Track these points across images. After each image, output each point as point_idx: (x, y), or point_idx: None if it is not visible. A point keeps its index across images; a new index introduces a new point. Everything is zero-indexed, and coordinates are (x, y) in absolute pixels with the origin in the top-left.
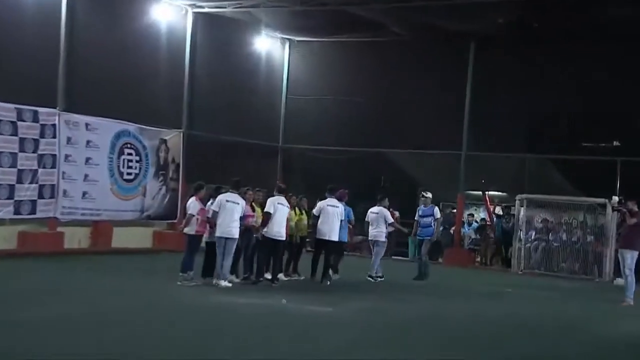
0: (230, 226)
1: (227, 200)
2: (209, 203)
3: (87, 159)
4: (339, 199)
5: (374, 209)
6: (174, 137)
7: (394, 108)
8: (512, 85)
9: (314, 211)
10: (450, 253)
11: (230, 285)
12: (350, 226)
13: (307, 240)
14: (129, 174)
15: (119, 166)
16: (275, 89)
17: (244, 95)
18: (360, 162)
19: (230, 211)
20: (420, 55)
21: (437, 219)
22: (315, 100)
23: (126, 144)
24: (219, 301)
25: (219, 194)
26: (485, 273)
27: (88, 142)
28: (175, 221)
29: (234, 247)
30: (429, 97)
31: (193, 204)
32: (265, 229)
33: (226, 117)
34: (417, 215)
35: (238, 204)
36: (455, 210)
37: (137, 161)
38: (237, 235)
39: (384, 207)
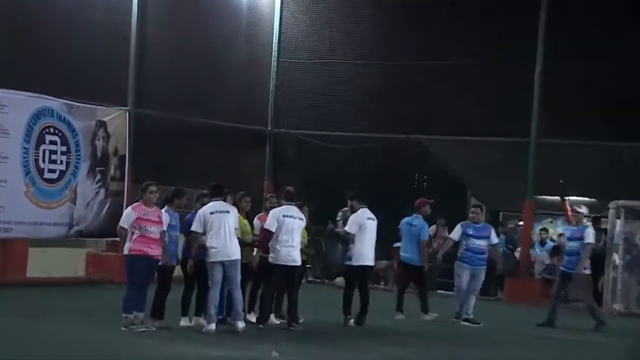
0: (226, 245)
1: (212, 212)
2: (165, 214)
3: None
4: (417, 210)
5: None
6: (117, 118)
7: (432, 77)
8: (603, 47)
9: (348, 227)
10: (514, 285)
11: (244, 326)
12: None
13: (308, 266)
14: (51, 170)
15: (37, 160)
16: (262, 50)
17: (217, 59)
18: (383, 154)
19: (221, 225)
20: (472, 3)
21: (587, 243)
22: (319, 66)
23: (48, 127)
24: (183, 353)
25: (176, 199)
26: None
27: None
28: (118, 239)
29: (238, 273)
30: (483, 63)
31: (126, 212)
32: (271, 254)
33: (192, 89)
34: (563, 236)
35: (228, 212)
36: (521, 224)
37: (63, 152)
38: (238, 256)
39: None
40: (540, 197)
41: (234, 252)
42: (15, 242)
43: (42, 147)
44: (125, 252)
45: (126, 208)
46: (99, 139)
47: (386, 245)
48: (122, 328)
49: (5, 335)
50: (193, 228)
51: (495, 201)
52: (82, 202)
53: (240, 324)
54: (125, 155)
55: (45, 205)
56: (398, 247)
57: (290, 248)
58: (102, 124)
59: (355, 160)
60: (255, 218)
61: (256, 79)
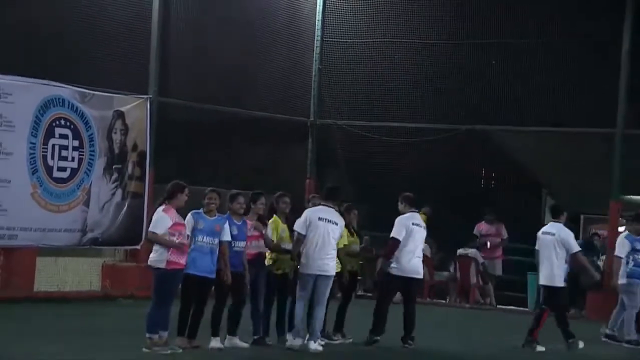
0: (324, 258)
1: (320, 218)
2: (189, 216)
3: None
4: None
5: (548, 227)
6: (136, 108)
7: (499, 58)
8: None
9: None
10: (598, 299)
11: (320, 349)
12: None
13: (359, 278)
14: (61, 169)
15: (45, 156)
16: (304, 29)
17: (252, 40)
18: (444, 147)
19: (325, 235)
20: None
21: None
22: (369, 46)
23: (58, 118)
24: None
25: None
26: None
27: None
28: (138, 247)
29: (328, 290)
30: (559, 42)
31: (160, 217)
32: (393, 264)
33: (223, 75)
34: None
35: (337, 224)
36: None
37: (75, 148)
38: (333, 272)
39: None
40: (628, 197)
41: (328, 268)
42: (21, 251)
43: (51, 141)
44: (161, 265)
45: (146, 213)
46: (116, 132)
47: (451, 253)
48: (144, 350)
49: (10, 359)
50: (297, 228)
51: (575, 202)
52: (97, 204)
53: (313, 345)
54: (145, 151)
55: (54, 208)
56: (463, 255)
57: (417, 259)
58: (119, 115)
59: (412, 155)
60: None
61: (298, 63)
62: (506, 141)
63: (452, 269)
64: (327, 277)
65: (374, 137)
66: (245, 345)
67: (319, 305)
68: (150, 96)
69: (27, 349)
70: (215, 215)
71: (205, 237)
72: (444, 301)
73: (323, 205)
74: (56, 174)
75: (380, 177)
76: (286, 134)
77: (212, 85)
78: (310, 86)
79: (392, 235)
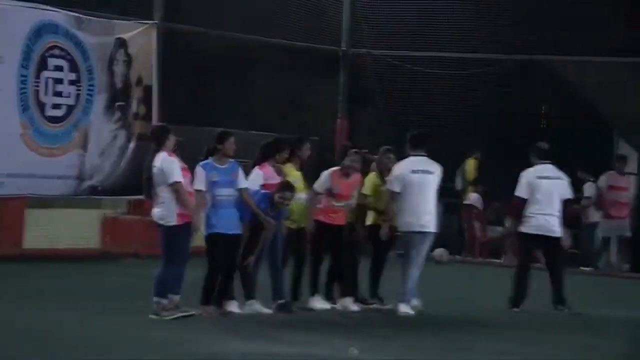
0: (424, 213)
1: (414, 171)
2: (199, 168)
3: None
4: None
5: None
6: (141, 36)
7: None
8: None
9: (517, 191)
10: None
11: (412, 312)
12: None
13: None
14: (56, 106)
15: (37, 91)
16: None
17: None
18: (498, 81)
19: (423, 188)
20: None
21: None
22: None
23: (52, 47)
24: (236, 351)
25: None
26: None
27: None
28: (143, 197)
29: (426, 249)
30: None
31: (173, 163)
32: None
33: None
34: None
35: (432, 173)
36: None
37: (72, 82)
38: (433, 229)
39: None
40: None
41: (429, 224)
42: (7, 201)
43: (45, 74)
44: (171, 220)
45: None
46: (117, 64)
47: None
48: (151, 316)
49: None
50: (391, 187)
51: None
52: (96, 148)
53: (404, 307)
54: (152, 86)
55: (46, 151)
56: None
57: (548, 216)
58: (122, 43)
59: (461, 91)
60: (326, 174)
61: None
62: (571, 74)
63: (507, 224)
64: (426, 234)
65: (416, 69)
66: (268, 311)
67: (416, 265)
68: (157, 22)
69: (14, 315)
70: (227, 163)
71: (223, 190)
72: (498, 260)
73: (412, 155)
74: (50, 111)
75: (423, 116)
76: (313, 66)
77: (226, 8)
78: (342, 7)
79: (515, 193)
